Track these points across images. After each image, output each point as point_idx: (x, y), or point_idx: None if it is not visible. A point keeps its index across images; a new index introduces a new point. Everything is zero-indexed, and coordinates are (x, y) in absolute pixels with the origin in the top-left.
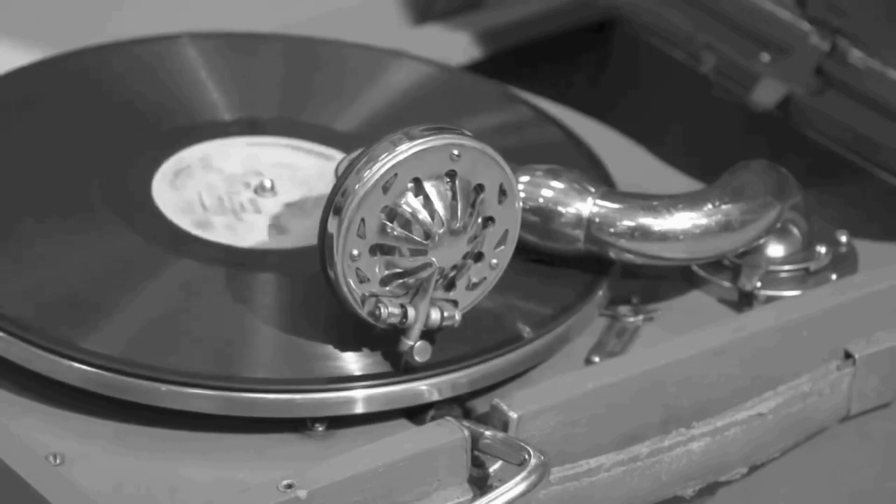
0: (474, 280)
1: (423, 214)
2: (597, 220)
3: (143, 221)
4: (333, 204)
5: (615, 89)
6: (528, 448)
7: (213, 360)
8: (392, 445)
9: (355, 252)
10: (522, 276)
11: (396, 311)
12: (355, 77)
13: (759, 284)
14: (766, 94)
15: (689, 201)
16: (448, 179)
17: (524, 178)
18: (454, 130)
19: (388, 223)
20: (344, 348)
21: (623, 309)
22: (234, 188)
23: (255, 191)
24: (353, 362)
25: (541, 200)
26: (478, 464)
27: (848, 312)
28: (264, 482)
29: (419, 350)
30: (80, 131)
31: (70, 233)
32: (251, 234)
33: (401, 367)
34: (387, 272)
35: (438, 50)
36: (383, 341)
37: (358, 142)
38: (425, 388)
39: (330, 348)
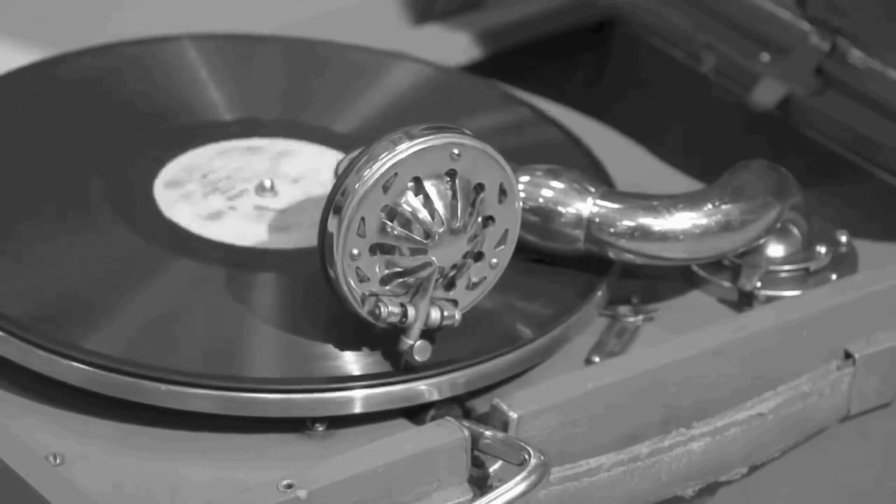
0: (474, 279)
1: (424, 213)
2: (597, 220)
3: (144, 221)
4: (333, 203)
5: (615, 89)
6: (528, 448)
7: (213, 360)
8: (392, 445)
9: (355, 251)
10: (522, 275)
11: (396, 310)
12: (355, 78)
13: (759, 284)
14: (766, 94)
15: (689, 201)
16: (448, 179)
17: (524, 178)
18: (454, 130)
19: (388, 222)
20: (344, 348)
21: (623, 309)
22: (235, 188)
23: (256, 191)
24: (352, 362)
25: (541, 200)
26: (478, 464)
27: (848, 312)
28: (264, 482)
29: (419, 349)
30: (80, 131)
31: (70, 233)
32: (251, 233)
33: (401, 367)
34: (387, 271)
35: (438, 50)
36: (383, 341)
37: (358, 142)
38: (425, 388)
39: (330, 348)
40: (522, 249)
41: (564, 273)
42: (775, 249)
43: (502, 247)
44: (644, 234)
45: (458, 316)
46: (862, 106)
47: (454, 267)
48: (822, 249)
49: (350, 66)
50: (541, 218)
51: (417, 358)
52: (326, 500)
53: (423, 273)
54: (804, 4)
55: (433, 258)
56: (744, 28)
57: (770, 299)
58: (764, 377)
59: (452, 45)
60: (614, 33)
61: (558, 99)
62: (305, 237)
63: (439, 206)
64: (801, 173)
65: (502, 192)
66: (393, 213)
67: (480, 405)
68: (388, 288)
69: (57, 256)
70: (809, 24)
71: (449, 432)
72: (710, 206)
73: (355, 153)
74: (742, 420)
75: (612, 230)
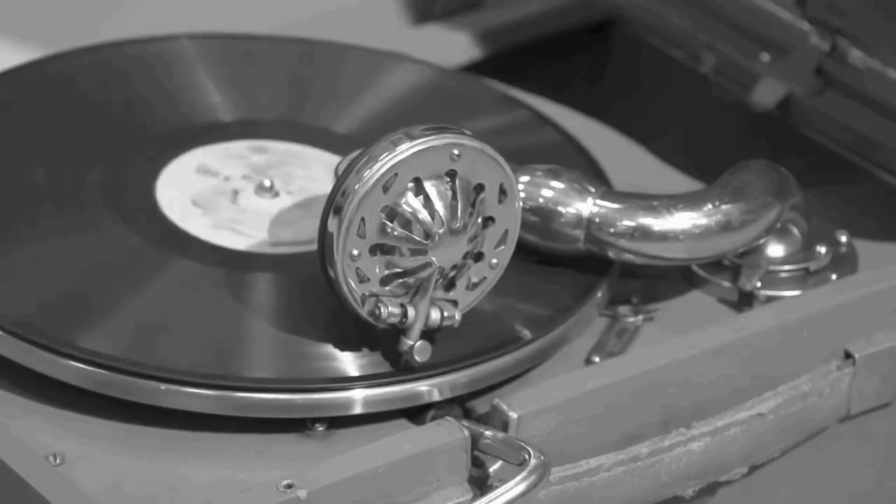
0: (474, 280)
1: (424, 214)
2: (597, 220)
3: (143, 221)
4: (333, 203)
5: (615, 89)
6: (528, 448)
7: (213, 360)
8: (392, 445)
9: (355, 252)
10: (522, 276)
11: (396, 310)
12: (355, 78)
13: (759, 284)
14: (766, 94)
15: (689, 201)
16: (448, 179)
17: (524, 178)
18: (454, 130)
19: (388, 223)
20: (344, 348)
21: (623, 309)
22: (234, 188)
23: (256, 191)
24: (352, 362)
25: (541, 200)
26: (478, 464)
27: (848, 312)
28: (264, 482)
29: (419, 350)
30: (79, 131)
31: (70, 233)
32: (251, 233)
33: (401, 367)
34: (387, 272)
35: (438, 50)
36: (383, 341)
37: (358, 143)
38: (425, 389)
39: (330, 348)
40: (522, 249)
41: (564, 273)
42: (775, 249)
43: (502, 247)
44: (644, 234)
45: (458, 316)
46: (862, 106)
47: (454, 267)
48: (822, 249)
49: (350, 66)
50: (541, 218)
51: (417, 358)
52: (326, 500)
53: (423, 273)
54: (804, 4)
55: (433, 259)
56: (744, 28)
57: (770, 299)
58: (764, 377)
59: (452, 45)
60: (614, 33)
61: (558, 99)
62: (306, 237)
63: (439, 206)
64: (801, 173)
65: (502, 192)
66: (393, 213)
67: (480, 405)
68: (388, 288)
69: (57, 256)
70: (809, 24)
71: (449, 432)
72: (710, 206)
73: (355, 154)
74: (742, 420)
75: (612, 230)
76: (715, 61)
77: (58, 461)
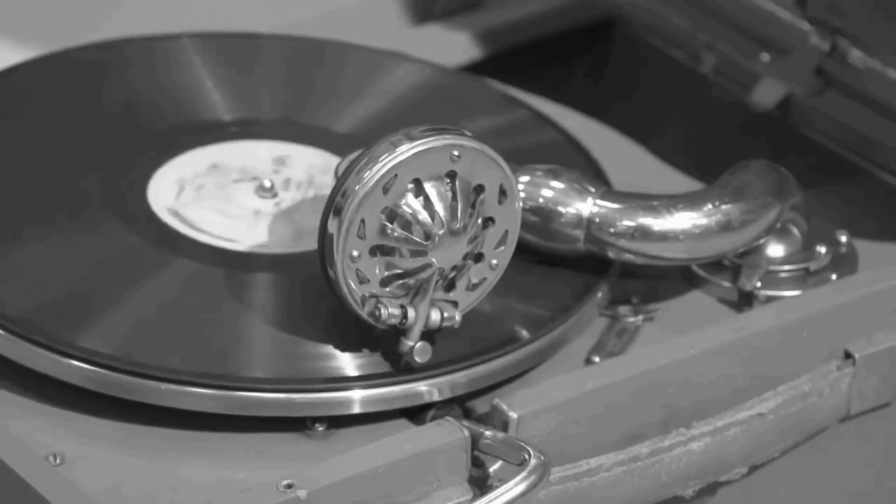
0: (474, 281)
1: (424, 215)
2: (597, 220)
3: (143, 221)
4: (333, 204)
5: (615, 89)
6: (528, 448)
7: (212, 360)
8: (392, 445)
9: (355, 253)
10: (522, 276)
11: (396, 311)
12: (355, 78)
13: (759, 284)
14: (766, 94)
15: (689, 201)
16: (448, 180)
17: (524, 179)
18: (454, 131)
19: (388, 224)
20: (344, 348)
21: (623, 309)
22: (234, 189)
23: (255, 191)
24: (352, 362)
25: (541, 200)
26: (478, 464)
27: (848, 312)
28: (264, 482)
29: (419, 351)
30: (79, 130)
31: (69, 232)
32: (251, 233)
33: (401, 367)
34: (387, 273)
35: (438, 50)
36: (383, 341)
37: (358, 143)
38: (425, 389)
39: (330, 348)
40: (522, 249)
41: (564, 273)
42: (775, 249)
43: (502, 248)
44: (644, 234)
45: (458, 317)
46: (862, 106)
47: (454, 268)
48: (822, 249)
49: (350, 66)
50: (541, 218)
51: (417, 359)
52: (326, 500)
53: (424, 275)
54: (804, 4)
55: (433, 260)
56: (744, 28)
57: (770, 299)
58: (764, 377)
59: (452, 45)
60: (614, 33)
61: (558, 99)
62: (306, 237)
63: (439, 207)
64: (801, 173)
65: (502, 193)
66: (393, 214)
67: (480, 405)
68: (388, 289)
69: (56, 256)
70: (809, 24)
71: (449, 432)
72: (710, 206)
73: (355, 154)
74: (742, 420)
75: (612, 230)
76: (715, 61)
77: (58, 461)
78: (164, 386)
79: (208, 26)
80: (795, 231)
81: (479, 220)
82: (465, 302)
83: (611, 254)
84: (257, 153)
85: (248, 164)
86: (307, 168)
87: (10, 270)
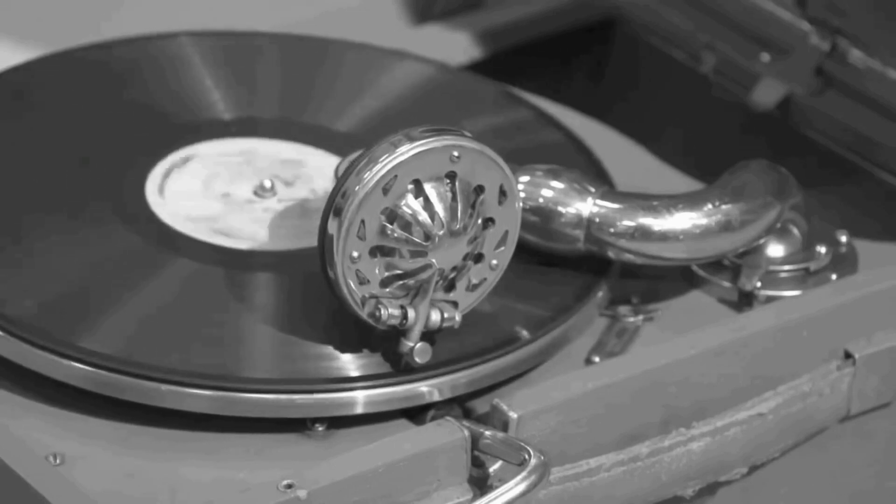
0: (474, 281)
1: (424, 216)
2: (597, 220)
3: (143, 221)
4: (333, 205)
5: (615, 89)
6: (528, 448)
7: (213, 360)
8: (392, 445)
9: (355, 254)
10: (522, 276)
11: (396, 312)
12: (355, 77)
13: (759, 284)
14: (766, 94)
15: (689, 201)
16: (448, 181)
17: (524, 179)
18: (454, 131)
19: (388, 225)
20: (344, 349)
21: (623, 309)
22: (234, 189)
23: (255, 191)
24: (353, 363)
25: (541, 200)
26: (478, 464)
27: (848, 312)
28: (264, 482)
29: (419, 351)
30: (78, 130)
31: (69, 232)
32: (251, 233)
33: (401, 368)
34: (387, 273)
35: (438, 50)
36: (383, 341)
37: (358, 142)
38: (425, 389)
39: (330, 349)
40: (522, 250)
41: (564, 273)
42: (775, 249)
43: (502, 248)
44: (644, 234)
45: (458, 318)
46: (862, 106)
47: (454, 269)
48: (822, 249)
49: (350, 64)
50: (541, 218)
51: (417, 360)
52: (326, 500)
53: (424, 275)
54: (804, 4)
55: (433, 260)
56: (744, 28)
57: (770, 299)
58: (764, 377)
59: (452, 45)
60: (614, 33)
61: (558, 99)
62: (305, 237)
63: (439, 208)
64: (801, 173)
65: (502, 193)
66: (393, 215)
67: (480, 405)
68: (388, 290)
69: (56, 256)
70: (809, 24)
71: (449, 432)
72: (710, 206)
73: (355, 155)
74: (742, 420)
75: (612, 230)
76: (715, 61)
77: (58, 461)
78: (164, 387)
79: (208, 26)
80: (795, 231)
81: (479, 221)
82: (465, 302)
83: (611, 254)
84: (257, 152)
85: (247, 163)
86: (307, 167)
87: (10, 271)
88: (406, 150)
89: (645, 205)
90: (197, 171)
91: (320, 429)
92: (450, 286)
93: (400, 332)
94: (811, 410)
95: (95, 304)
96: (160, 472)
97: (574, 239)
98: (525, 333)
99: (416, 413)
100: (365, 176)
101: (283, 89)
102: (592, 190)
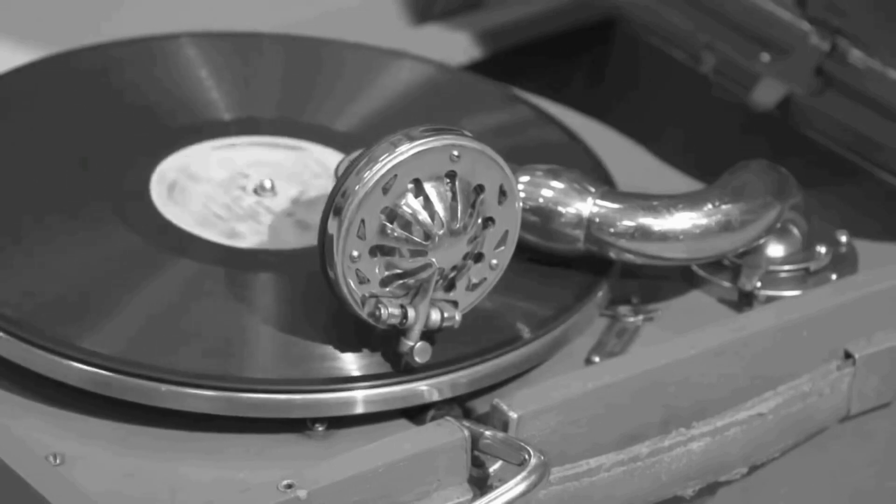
0: (474, 281)
1: (423, 215)
2: (597, 220)
3: (143, 221)
4: (333, 205)
5: (615, 89)
6: (528, 448)
7: (213, 360)
8: (392, 445)
9: (355, 253)
10: (522, 276)
11: (396, 311)
12: (355, 77)
13: (759, 284)
14: (766, 94)
15: (689, 201)
16: (448, 180)
17: (524, 179)
18: (454, 131)
19: (388, 224)
20: (344, 348)
21: (623, 309)
22: (235, 189)
23: (256, 191)
24: (352, 362)
25: (541, 200)
26: (478, 464)
27: (848, 312)
28: (264, 482)
29: (419, 351)
30: (79, 130)
31: (70, 232)
32: (251, 233)
33: (401, 368)
34: (387, 273)
35: (438, 50)
36: (383, 341)
37: (358, 142)
38: (425, 389)
39: (330, 348)
40: (522, 249)
41: (564, 273)
42: (775, 249)
43: (502, 248)
44: (644, 234)
45: (458, 317)
46: (862, 106)
47: (454, 268)
48: (822, 249)
49: (350, 64)
50: (541, 218)
51: (417, 359)
52: (326, 500)
53: (424, 275)
54: (804, 4)
55: (433, 260)
56: (744, 28)
57: (770, 299)
58: (764, 377)
59: (452, 45)
60: (614, 33)
61: (558, 99)
62: (305, 237)
63: (439, 207)
64: (801, 173)
65: (502, 193)
66: (393, 214)
67: (480, 405)
68: (388, 289)
69: (57, 256)
70: (809, 24)
71: (449, 432)
72: (710, 206)
73: (355, 154)
74: (742, 420)
75: (612, 230)
76: (715, 61)
77: (58, 461)
78: (164, 387)
79: (208, 26)
80: (795, 231)
81: (479, 220)
82: (465, 302)
83: (611, 254)
84: (257, 152)
85: (247, 163)
86: (307, 167)
87: (10, 271)
88: (406, 150)
89: (645, 205)
90: (196, 171)
91: (320, 429)
92: (450, 286)
93: (400, 331)
94: (811, 410)
95: (95, 304)
96: (160, 472)
97: (574, 239)
98: (525, 333)
99: (416, 413)
100: (365, 175)
101: (284, 89)
102: (592, 190)
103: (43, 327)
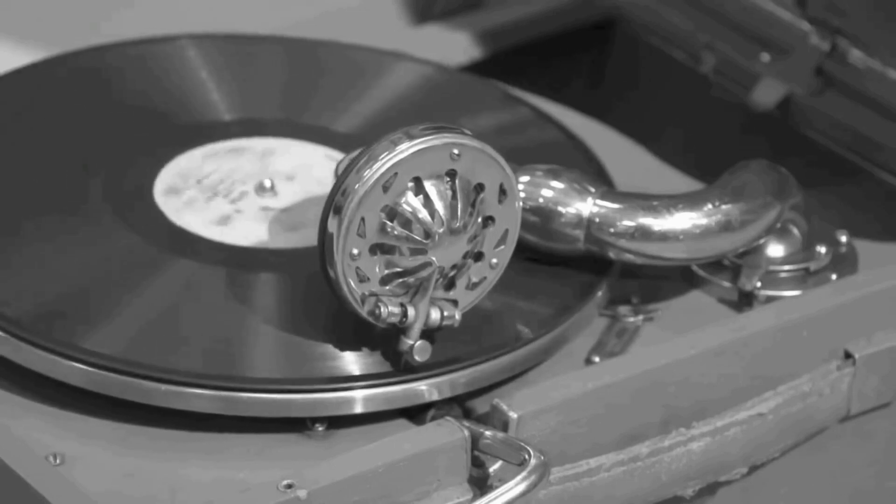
0: (474, 279)
1: (424, 214)
2: (597, 220)
3: (143, 221)
4: (333, 203)
5: (615, 89)
6: (528, 448)
7: (213, 360)
8: (392, 445)
9: (355, 251)
10: (522, 275)
11: (396, 310)
12: (355, 78)
13: (759, 284)
14: (766, 94)
15: (689, 201)
16: (448, 179)
17: (524, 178)
18: (454, 130)
19: (388, 222)
20: (344, 348)
21: (623, 309)
22: (235, 188)
23: (256, 191)
24: (352, 362)
25: (541, 200)
26: (478, 464)
27: (848, 312)
28: (264, 482)
29: (419, 350)
30: (80, 131)
31: (70, 233)
32: (250, 233)
33: (401, 367)
34: (387, 271)
35: (438, 50)
36: (383, 341)
37: (358, 142)
38: (425, 388)
39: (330, 348)
40: (522, 249)
41: (564, 273)
42: (775, 249)
43: (502, 247)
44: (644, 234)
45: (457, 316)
46: (862, 106)
47: (454, 267)
48: (822, 249)
49: (350, 65)
50: (541, 218)
51: (417, 358)
52: (326, 500)
53: (423, 273)
54: (804, 4)
55: (433, 258)
56: (744, 28)
57: (770, 299)
58: (764, 377)
59: (452, 45)
60: (614, 33)
61: (558, 99)
62: (305, 237)
63: (439, 206)
64: (801, 173)
65: (502, 192)
66: (393, 213)
67: (480, 405)
68: (387, 288)
69: (56, 256)
70: (809, 24)
71: (449, 432)
72: (710, 206)
73: (355, 153)
74: (742, 420)
75: (612, 230)
76: (715, 61)
77: (58, 461)
78: (164, 387)
79: (208, 27)
80: (795, 231)
81: (479, 219)
82: (464, 301)
83: (611, 254)
84: (258, 153)
85: (248, 163)
86: (307, 167)
87: (10, 271)
88: (406, 148)
89: (645, 205)
90: (197, 172)
91: (320, 429)
92: (450, 284)
93: (400, 330)
94: (811, 410)
95: (96, 304)
96: (160, 472)
97: (574, 239)
98: (525, 333)
99: (416, 413)
100: (365, 174)
101: (284, 90)
102: (592, 190)
103: (43, 327)
